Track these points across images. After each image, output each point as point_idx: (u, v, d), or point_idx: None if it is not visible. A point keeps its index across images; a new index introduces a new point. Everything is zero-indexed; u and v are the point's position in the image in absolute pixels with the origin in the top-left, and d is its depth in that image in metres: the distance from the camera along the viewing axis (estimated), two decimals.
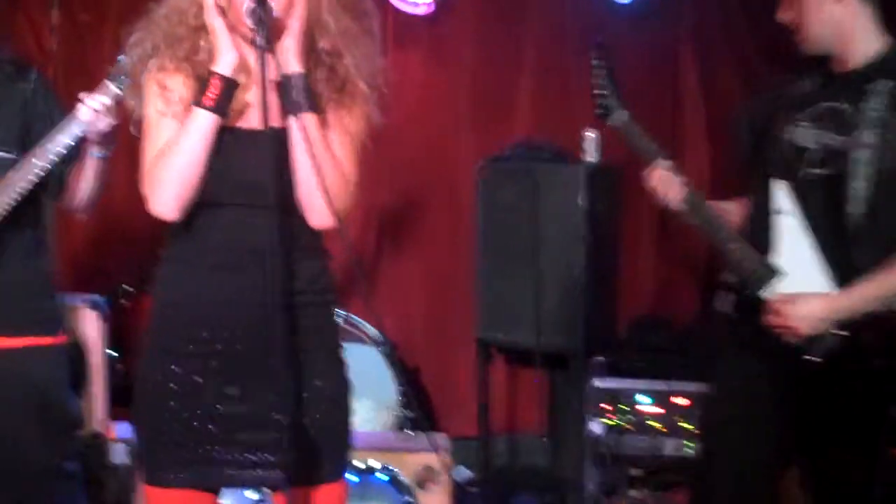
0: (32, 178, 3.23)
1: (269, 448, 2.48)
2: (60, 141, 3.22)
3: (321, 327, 2.60)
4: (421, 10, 5.44)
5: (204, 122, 2.44)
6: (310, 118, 2.44)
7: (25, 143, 3.29)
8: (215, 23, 2.45)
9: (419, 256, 5.69)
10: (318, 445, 2.51)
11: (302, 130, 2.42)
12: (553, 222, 5.01)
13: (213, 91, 2.44)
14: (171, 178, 2.44)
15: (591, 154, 5.12)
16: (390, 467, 4.26)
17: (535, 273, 5.01)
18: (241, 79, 2.51)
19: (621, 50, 5.41)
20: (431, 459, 4.31)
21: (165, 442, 2.52)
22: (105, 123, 3.17)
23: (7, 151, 3.28)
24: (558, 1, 5.55)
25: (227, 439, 2.51)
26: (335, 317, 2.67)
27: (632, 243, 5.60)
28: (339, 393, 2.61)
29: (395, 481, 4.24)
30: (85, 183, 3.35)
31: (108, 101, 3.17)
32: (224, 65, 2.45)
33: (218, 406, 2.51)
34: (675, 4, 5.39)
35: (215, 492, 2.59)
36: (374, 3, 2.67)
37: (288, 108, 2.45)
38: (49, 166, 3.24)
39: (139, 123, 2.55)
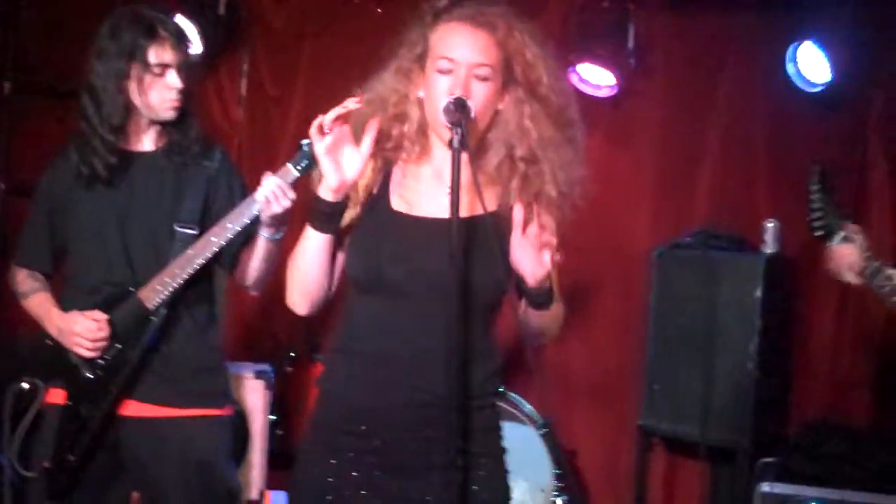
0: (209, 254, 3.30)
1: None
2: (238, 220, 3.28)
3: (486, 431, 2.54)
4: (604, 93, 5.39)
5: (315, 241, 2.50)
6: None
7: (206, 219, 3.37)
8: (316, 147, 2.43)
9: (586, 338, 5.59)
10: None
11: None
12: (728, 312, 4.91)
13: (320, 214, 2.48)
14: (294, 281, 2.56)
15: (770, 244, 4.99)
16: None
17: (705, 363, 4.90)
18: (428, 172, 2.53)
19: (807, 137, 5.30)
20: None
21: None
22: (281, 207, 3.20)
23: (191, 228, 3.35)
24: (746, 87, 5.41)
25: None
26: (500, 420, 2.61)
27: (807, 338, 5.40)
28: (498, 500, 2.54)
29: None
30: (256, 262, 3.39)
31: (285, 185, 3.20)
32: (324, 191, 2.46)
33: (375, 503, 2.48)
34: (863, 91, 5.21)
35: None
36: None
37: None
38: (225, 243, 3.30)
39: None
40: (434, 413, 2.40)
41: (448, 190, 2.33)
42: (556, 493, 5.00)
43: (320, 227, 2.48)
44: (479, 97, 2.44)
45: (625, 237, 5.55)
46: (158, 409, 3.36)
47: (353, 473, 2.49)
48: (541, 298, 2.46)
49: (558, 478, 5.03)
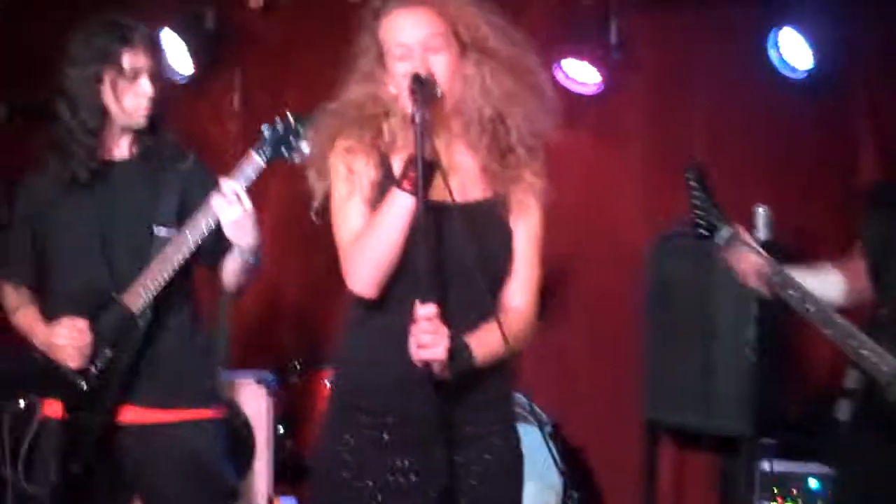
0: (186, 250, 3.32)
1: None
2: (210, 213, 3.27)
3: (497, 402, 2.63)
4: (589, 90, 5.45)
5: (403, 205, 2.46)
6: None
7: (183, 220, 3.38)
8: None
9: (585, 334, 5.64)
10: None
11: None
12: (724, 300, 4.92)
13: (412, 174, 2.45)
14: (369, 260, 2.51)
15: (761, 230, 5.00)
16: None
17: (705, 352, 4.91)
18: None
19: (793, 125, 5.32)
20: None
21: None
22: (237, 212, 3.21)
23: (168, 228, 3.39)
24: (727, 77, 5.45)
25: None
26: (512, 389, 2.69)
27: (804, 322, 5.40)
28: (509, 468, 2.64)
29: None
30: (233, 276, 3.45)
31: (241, 188, 3.24)
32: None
33: (389, 477, 2.54)
34: (848, 78, 5.21)
35: None
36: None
37: None
38: (199, 238, 3.31)
39: (325, 199, 2.64)
40: (445, 389, 2.47)
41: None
42: (566, 491, 5.00)
43: (413, 189, 2.43)
44: (440, 69, 2.50)
45: (620, 230, 5.58)
46: (153, 413, 3.39)
47: (370, 450, 2.56)
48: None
49: (566, 476, 5.03)
